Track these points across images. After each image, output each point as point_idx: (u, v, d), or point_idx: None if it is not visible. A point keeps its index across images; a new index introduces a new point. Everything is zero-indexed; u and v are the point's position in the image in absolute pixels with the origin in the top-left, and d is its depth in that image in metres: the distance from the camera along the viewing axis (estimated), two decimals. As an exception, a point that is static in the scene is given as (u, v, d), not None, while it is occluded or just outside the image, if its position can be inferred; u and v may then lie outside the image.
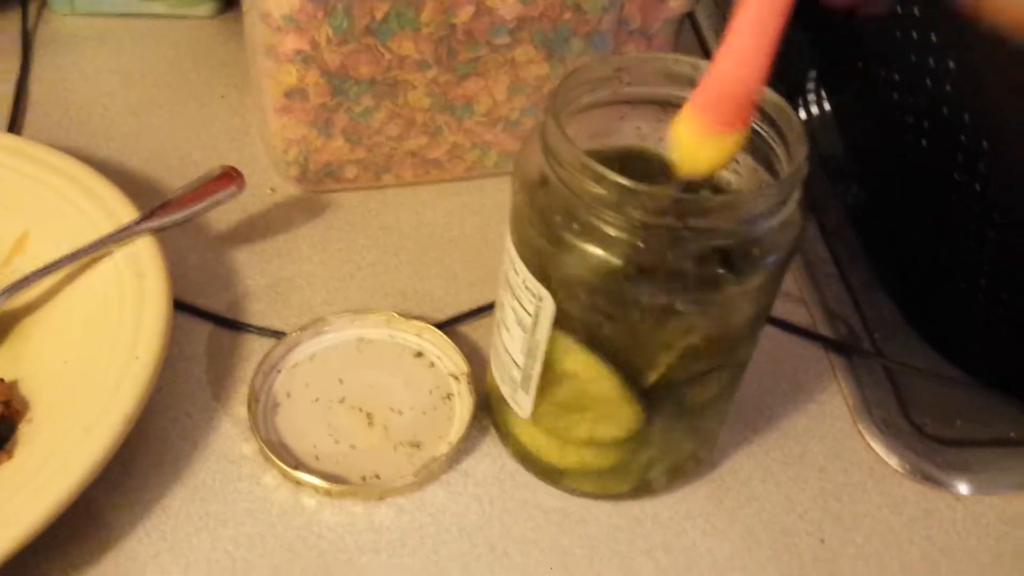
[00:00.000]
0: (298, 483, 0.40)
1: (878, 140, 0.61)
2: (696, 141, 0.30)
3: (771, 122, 0.32)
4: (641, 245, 0.31)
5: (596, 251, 0.31)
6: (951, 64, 0.43)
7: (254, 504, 0.40)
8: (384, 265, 0.50)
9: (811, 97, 0.72)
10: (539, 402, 0.38)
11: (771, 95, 0.32)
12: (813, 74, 0.71)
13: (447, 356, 0.45)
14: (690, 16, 0.68)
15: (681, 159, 0.30)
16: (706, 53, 0.65)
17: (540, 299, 0.34)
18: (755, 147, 0.34)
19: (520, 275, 0.35)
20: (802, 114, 0.72)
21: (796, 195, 0.31)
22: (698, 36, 0.67)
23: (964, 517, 0.43)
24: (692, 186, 0.32)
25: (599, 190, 0.30)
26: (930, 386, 0.47)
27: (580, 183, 0.31)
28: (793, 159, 0.31)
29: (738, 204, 0.30)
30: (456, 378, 0.44)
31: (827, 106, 0.71)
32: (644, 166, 0.37)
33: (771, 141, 0.33)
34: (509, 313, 0.37)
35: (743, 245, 0.31)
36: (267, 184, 0.53)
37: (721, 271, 0.31)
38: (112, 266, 0.44)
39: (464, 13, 0.45)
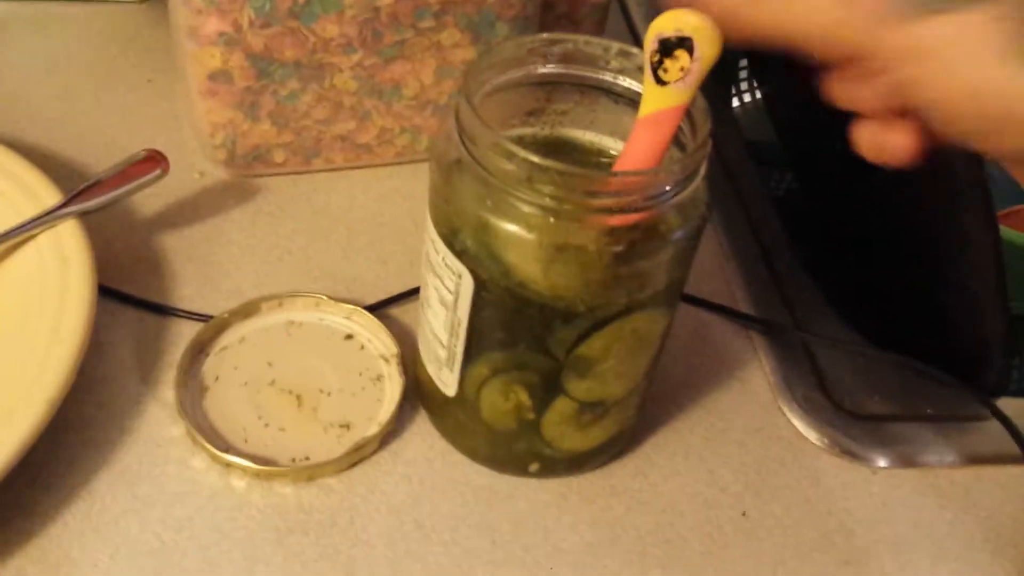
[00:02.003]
0: (227, 465, 0.40)
1: (805, 127, 0.62)
2: None
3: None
4: (552, 220, 0.31)
5: (509, 227, 0.32)
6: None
7: (183, 486, 0.40)
8: (315, 249, 0.50)
9: (743, 86, 0.73)
10: (464, 380, 0.38)
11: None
12: (744, 63, 0.73)
13: (377, 338, 0.46)
14: (619, 1, 0.68)
15: None
16: (636, 38, 0.66)
17: (459, 276, 0.35)
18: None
19: (440, 253, 0.35)
20: (735, 103, 0.74)
21: (702, 171, 0.32)
22: (628, 21, 0.67)
23: (881, 489, 0.44)
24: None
25: (510, 167, 0.31)
26: (850, 364, 0.49)
27: (492, 161, 0.31)
28: (698, 135, 0.32)
29: (645, 180, 0.31)
30: (386, 360, 0.45)
31: (758, 94, 0.73)
32: (567, 150, 0.38)
33: (680, 123, 0.33)
34: (432, 292, 0.37)
35: (651, 220, 0.32)
36: (195, 169, 0.53)
37: (630, 246, 0.32)
38: (35, 250, 0.43)
39: (388, -5, 0.45)
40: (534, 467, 0.41)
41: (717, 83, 0.70)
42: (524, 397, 0.37)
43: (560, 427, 0.38)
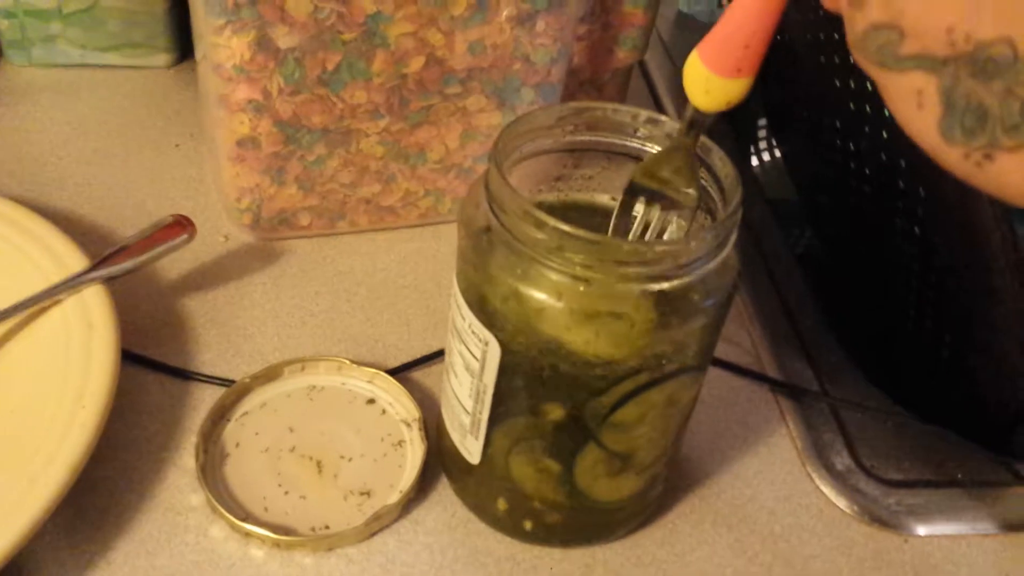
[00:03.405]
0: (246, 535, 0.40)
1: (826, 186, 0.62)
2: (703, 83, 0.30)
3: (709, 169, 0.33)
4: (582, 289, 0.31)
5: (539, 295, 0.32)
6: (886, 111, 0.44)
7: (201, 557, 0.39)
8: (337, 311, 0.50)
9: (762, 145, 0.74)
10: (489, 449, 0.38)
11: (706, 142, 0.33)
12: (763, 122, 0.73)
13: (399, 403, 0.45)
14: (641, 66, 0.69)
15: (692, 97, 0.31)
16: (657, 102, 0.66)
17: (486, 343, 0.34)
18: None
19: (466, 320, 0.35)
20: (754, 161, 0.74)
21: (733, 238, 0.32)
22: (649, 86, 0.68)
23: (912, 558, 0.43)
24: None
25: (541, 235, 0.31)
26: (878, 428, 0.48)
27: (522, 229, 0.31)
28: (728, 204, 0.31)
29: (676, 248, 0.31)
30: (408, 425, 0.44)
31: (777, 153, 0.73)
32: (588, 215, 0.38)
33: (709, 188, 0.33)
34: (457, 358, 0.37)
35: (683, 289, 0.32)
36: (220, 232, 0.53)
37: (660, 315, 0.31)
38: (61, 315, 0.43)
39: (415, 63, 0.46)
40: (563, 533, 0.40)
41: (736, 142, 0.70)
42: (554, 466, 0.37)
43: (591, 475, 0.38)
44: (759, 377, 0.49)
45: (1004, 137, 0.24)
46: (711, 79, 0.30)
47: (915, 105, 0.25)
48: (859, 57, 0.26)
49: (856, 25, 0.25)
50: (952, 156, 0.24)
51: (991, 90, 0.24)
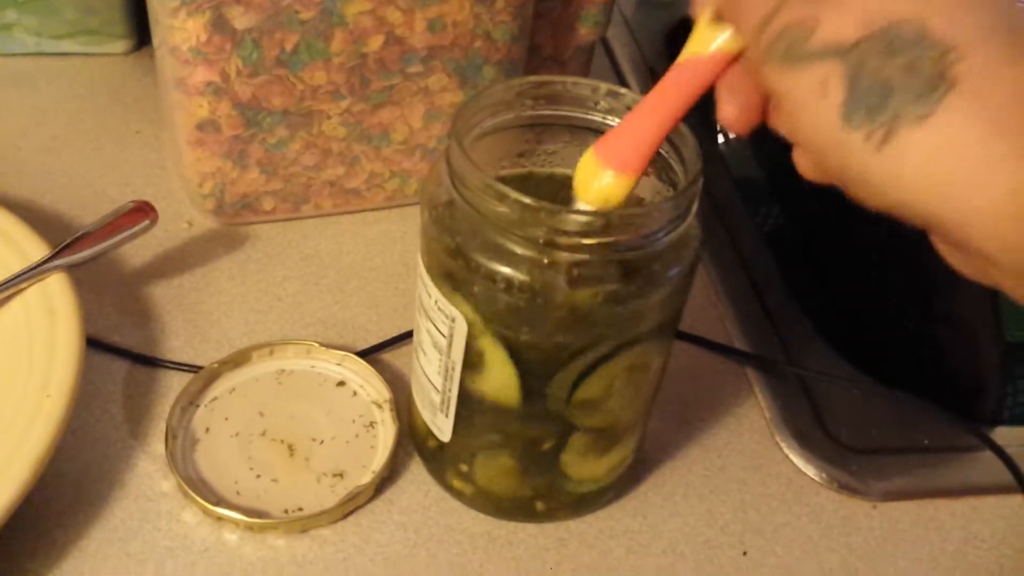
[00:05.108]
0: (219, 519, 0.40)
1: (790, 160, 0.62)
2: (588, 175, 0.31)
3: (669, 140, 0.33)
4: (545, 262, 0.31)
5: (502, 269, 0.32)
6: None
7: (174, 542, 0.39)
8: (305, 295, 0.50)
9: (728, 121, 0.74)
10: (459, 426, 0.38)
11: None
12: (728, 98, 0.73)
13: (370, 384, 0.45)
14: (604, 43, 0.69)
15: (576, 189, 0.32)
16: (621, 79, 0.66)
17: (452, 320, 0.34)
18: (658, 167, 0.35)
19: (432, 297, 0.35)
20: (720, 139, 0.74)
21: (694, 208, 0.32)
22: (612, 63, 0.68)
23: (881, 524, 0.44)
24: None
25: (502, 209, 0.31)
26: (845, 397, 0.48)
27: (484, 203, 0.31)
28: (689, 173, 0.32)
29: (638, 219, 0.31)
30: (379, 406, 0.44)
31: (743, 129, 0.73)
32: (551, 187, 0.38)
33: (671, 160, 0.33)
34: (425, 336, 0.37)
35: (645, 259, 0.32)
36: (183, 218, 0.52)
37: (624, 286, 0.32)
38: (23, 305, 0.43)
39: (374, 42, 0.45)
40: (538, 508, 0.41)
41: (702, 121, 0.70)
42: (517, 477, 0.37)
43: (580, 460, 0.38)
44: (727, 350, 0.50)
45: (910, 107, 0.23)
46: (607, 174, 0.30)
47: (818, 96, 0.25)
48: (765, 69, 0.26)
49: (763, 39, 0.26)
50: (852, 141, 0.24)
51: (896, 65, 0.24)
